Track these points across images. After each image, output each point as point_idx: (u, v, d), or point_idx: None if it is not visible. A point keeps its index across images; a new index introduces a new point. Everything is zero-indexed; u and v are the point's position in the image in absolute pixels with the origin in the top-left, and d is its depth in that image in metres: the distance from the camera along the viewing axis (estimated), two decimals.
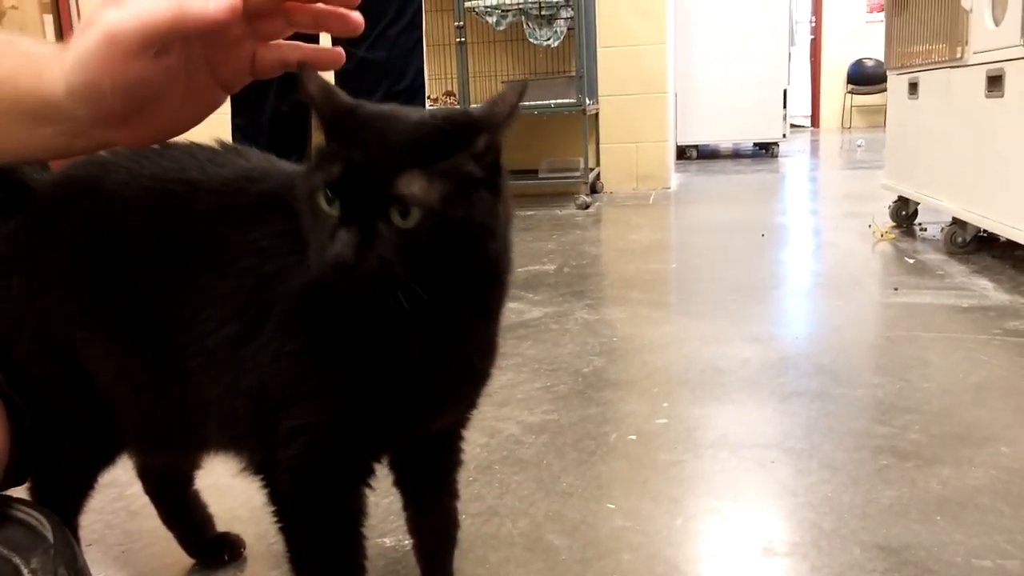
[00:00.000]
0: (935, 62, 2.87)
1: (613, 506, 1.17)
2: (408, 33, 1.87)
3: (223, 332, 0.71)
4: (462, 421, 0.85)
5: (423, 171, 0.58)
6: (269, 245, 0.71)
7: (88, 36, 0.60)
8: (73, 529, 0.85)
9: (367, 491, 0.76)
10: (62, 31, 4.98)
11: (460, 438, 0.87)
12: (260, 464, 0.74)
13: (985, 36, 2.49)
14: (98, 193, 0.77)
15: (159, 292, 0.73)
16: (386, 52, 1.84)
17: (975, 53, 2.55)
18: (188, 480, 1.03)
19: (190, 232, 0.74)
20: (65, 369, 0.78)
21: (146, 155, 0.77)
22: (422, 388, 0.70)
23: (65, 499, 0.85)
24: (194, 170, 0.76)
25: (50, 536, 0.72)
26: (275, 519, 0.75)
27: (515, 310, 2.23)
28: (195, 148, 0.78)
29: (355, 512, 0.76)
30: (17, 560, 0.70)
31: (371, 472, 0.75)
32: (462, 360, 0.71)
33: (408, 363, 0.66)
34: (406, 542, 0.94)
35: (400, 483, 0.87)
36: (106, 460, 0.86)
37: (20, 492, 0.82)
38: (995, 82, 2.41)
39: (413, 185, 0.58)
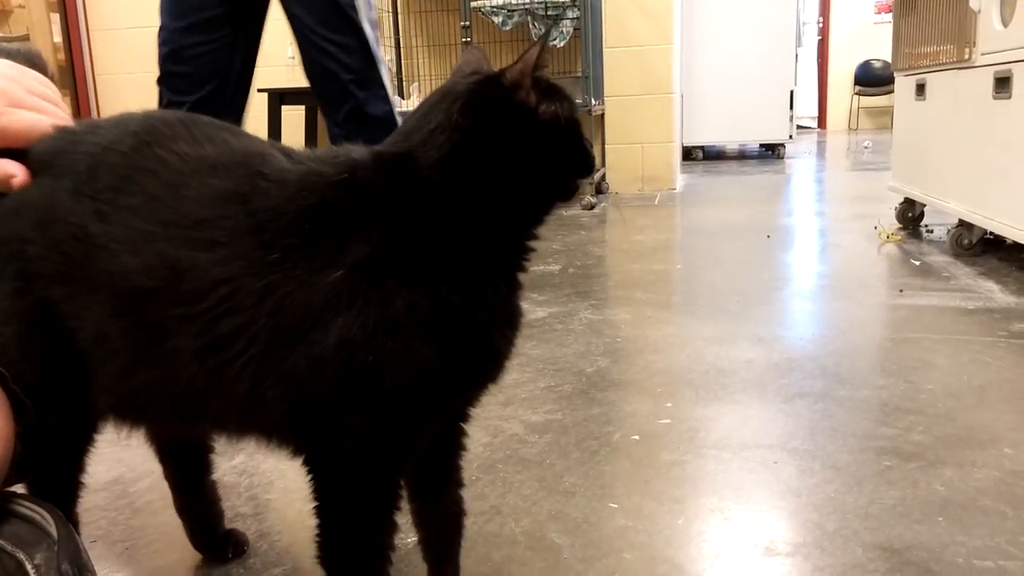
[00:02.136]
0: (942, 63, 2.86)
1: (615, 505, 1.17)
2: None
3: (243, 317, 0.70)
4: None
5: None
6: (300, 244, 0.71)
7: None
8: (73, 522, 0.85)
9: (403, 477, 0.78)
10: (68, 29, 4.99)
11: (467, 421, 0.88)
12: (307, 454, 0.75)
13: (993, 37, 2.48)
14: (90, 154, 0.76)
15: (159, 259, 0.72)
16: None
17: (983, 54, 2.55)
18: (207, 468, 1.03)
19: (198, 205, 0.73)
20: (35, 328, 0.76)
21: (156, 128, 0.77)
22: (498, 346, 0.77)
23: (58, 481, 0.84)
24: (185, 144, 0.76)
25: (54, 532, 0.73)
26: (315, 502, 0.75)
27: None
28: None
29: (395, 500, 0.76)
30: (21, 556, 0.70)
31: (414, 456, 0.79)
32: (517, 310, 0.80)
33: (493, 335, 0.75)
34: (411, 539, 0.94)
35: (407, 474, 0.86)
36: (87, 427, 0.84)
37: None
38: (1003, 83, 2.41)
39: None
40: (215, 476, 1.05)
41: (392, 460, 0.75)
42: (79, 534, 0.82)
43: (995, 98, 2.45)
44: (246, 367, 0.71)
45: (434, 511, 0.89)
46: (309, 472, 0.75)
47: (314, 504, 0.75)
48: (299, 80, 2.00)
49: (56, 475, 0.85)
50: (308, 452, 0.75)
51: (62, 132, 0.80)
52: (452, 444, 0.88)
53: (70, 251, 0.74)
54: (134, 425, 0.88)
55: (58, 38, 5.00)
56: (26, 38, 4.74)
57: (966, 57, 2.64)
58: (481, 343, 0.74)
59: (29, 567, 0.70)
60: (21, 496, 0.76)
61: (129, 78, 5.12)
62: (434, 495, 0.89)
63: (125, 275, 0.72)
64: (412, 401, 0.72)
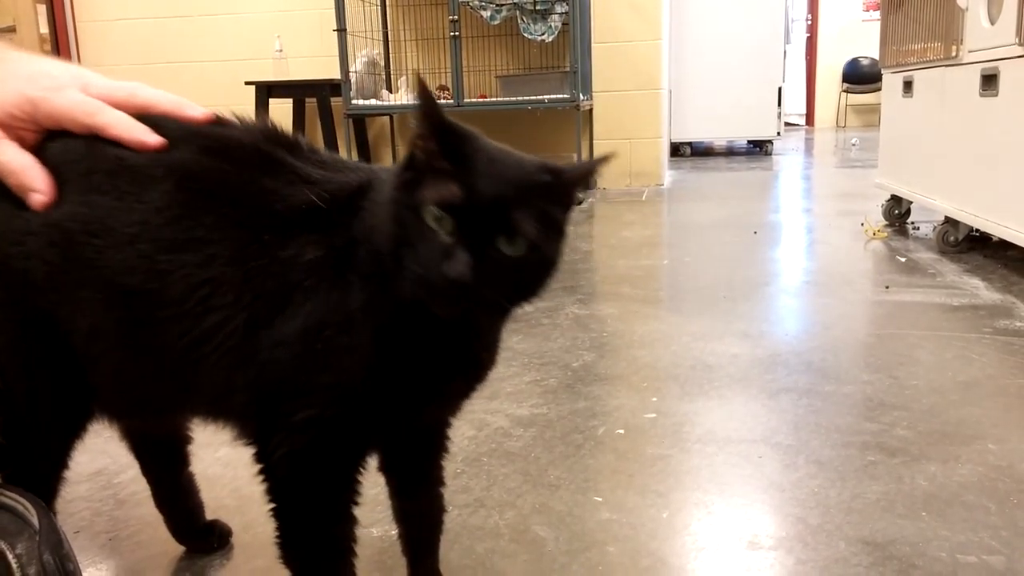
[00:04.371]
0: (930, 61, 2.87)
1: (600, 499, 1.17)
2: None
3: (222, 314, 0.72)
4: (455, 410, 0.86)
5: (530, 210, 0.65)
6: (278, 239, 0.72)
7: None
8: (53, 514, 0.84)
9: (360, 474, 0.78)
10: (55, 21, 4.95)
11: (449, 425, 0.89)
12: (259, 449, 0.75)
13: (980, 35, 2.49)
14: (76, 157, 0.76)
15: (144, 261, 0.72)
16: None
17: (970, 52, 2.56)
18: (184, 461, 1.03)
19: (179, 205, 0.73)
20: (35, 329, 0.76)
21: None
22: (447, 379, 0.76)
23: (39, 474, 0.83)
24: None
25: (35, 521, 0.72)
26: (270, 501, 0.76)
27: None
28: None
29: (351, 495, 0.77)
30: (2, 545, 0.70)
31: (369, 456, 0.78)
32: (478, 354, 0.77)
33: (445, 358, 0.73)
34: (393, 532, 0.94)
35: (387, 470, 0.88)
36: (77, 427, 0.83)
37: None
38: (989, 81, 2.42)
39: (525, 221, 0.64)
40: (198, 468, 1.05)
41: (346, 458, 0.75)
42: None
43: (982, 96, 2.46)
44: (222, 358, 0.72)
45: (414, 509, 0.90)
46: (264, 470, 0.75)
47: (270, 505, 0.76)
48: (286, 73, 1.99)
49: (41, 469, 0.84)
50: (265, 445, 0.74)
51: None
52: (434, 444, 0.88)
53: (51, 257, 0.73)
54: (124, 420, 0.88)
55: (44, 29, 4.96)
56: (12, 30, 4.70)
57: (953, 55, 2.66)
58: (439, 356, 0.73)
59: (10, 557, 0.69)
60: (2, 486, 0.75)
61: (116, 70, 5.08)
62: (414, 494, 0.89)
63: (112, 272, 0.73)
64: (362, 399, 0.72)
